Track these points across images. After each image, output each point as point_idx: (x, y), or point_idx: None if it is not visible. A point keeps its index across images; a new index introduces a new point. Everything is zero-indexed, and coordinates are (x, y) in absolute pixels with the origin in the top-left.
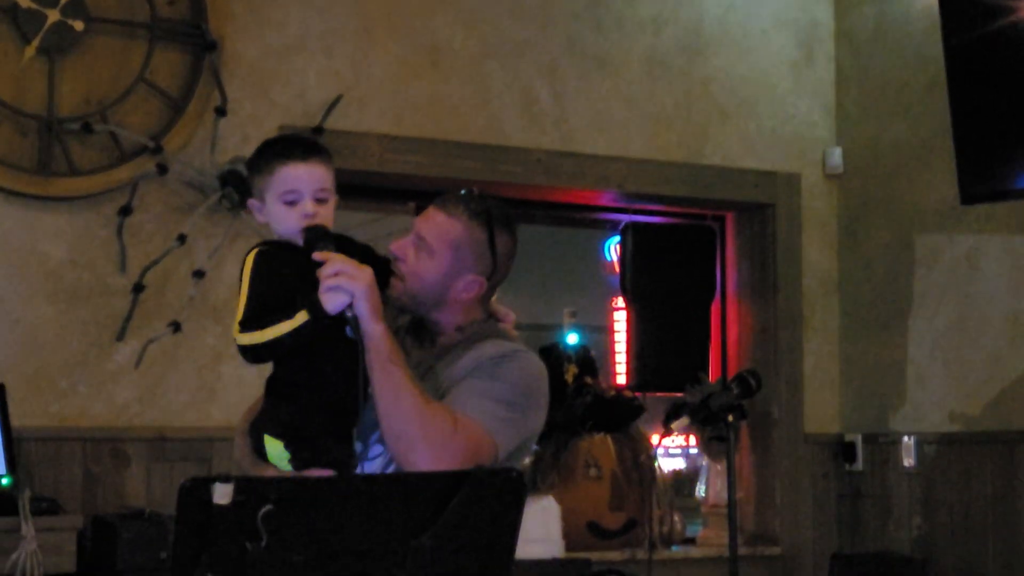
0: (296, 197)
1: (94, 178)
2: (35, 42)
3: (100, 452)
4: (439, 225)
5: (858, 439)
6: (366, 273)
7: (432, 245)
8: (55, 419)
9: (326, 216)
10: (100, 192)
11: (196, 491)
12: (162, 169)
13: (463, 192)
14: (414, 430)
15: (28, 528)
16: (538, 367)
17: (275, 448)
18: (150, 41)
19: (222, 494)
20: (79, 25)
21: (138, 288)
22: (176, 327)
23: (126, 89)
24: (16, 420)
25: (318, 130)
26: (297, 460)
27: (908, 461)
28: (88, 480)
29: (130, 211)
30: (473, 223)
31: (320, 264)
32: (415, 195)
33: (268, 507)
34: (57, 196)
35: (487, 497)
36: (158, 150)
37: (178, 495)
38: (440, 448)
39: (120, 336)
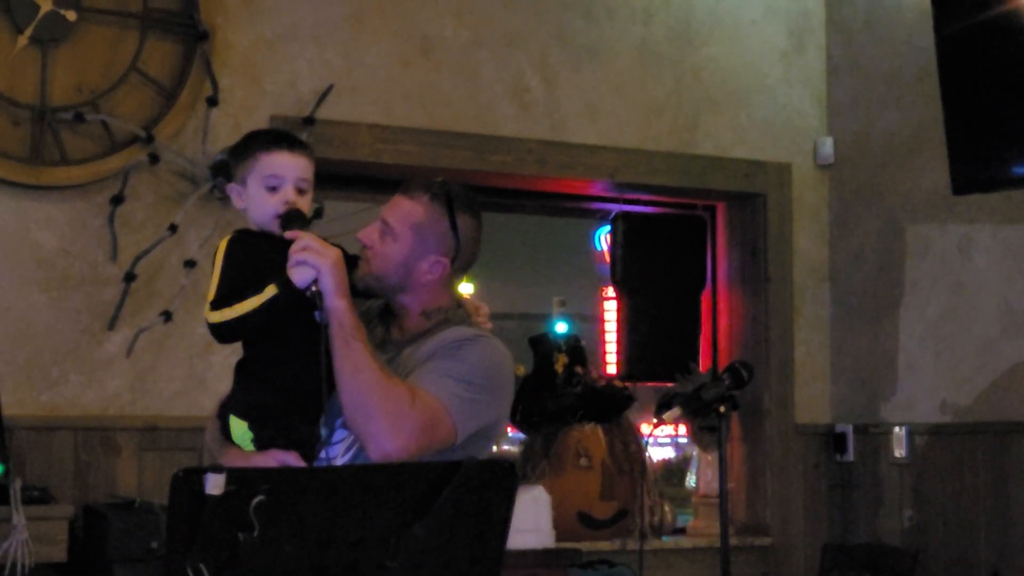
0: (278, 183)
1: (86, 167)
2: (28, 32)
3: (91, 441)
4: (402, 209)
5: (849, 430)
6: (333, 251)
7: (395, 229)
8: (46, 408)
9: (303, 208)
10: (92, 181)
11: (188, 481)
12: (154, 159)
13: (425, 179)
14: (372, 402)
15: (19, 517)
16: (502, 353)
17: (239, 428)
18: (142, 31)
19: (214, 484)
20: (71, 15)
21: (129, 277)
22: (167, 316)
23: (118, 79)
24: (7, 409)
25: (309, 120)
26: (259, 440)
27: (899, 452)
28: (79, 469)
29: (122, 200)
30: (434, 205)
31: (292, 244)
32: None
33: (260, 497)
34: (49, 185)
35: (478, 487)
36: (150, 139)
37: (171, 485)
38: (396, 420)
39: (111, 325)
